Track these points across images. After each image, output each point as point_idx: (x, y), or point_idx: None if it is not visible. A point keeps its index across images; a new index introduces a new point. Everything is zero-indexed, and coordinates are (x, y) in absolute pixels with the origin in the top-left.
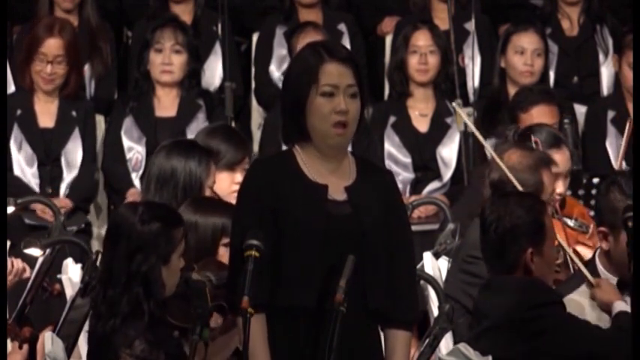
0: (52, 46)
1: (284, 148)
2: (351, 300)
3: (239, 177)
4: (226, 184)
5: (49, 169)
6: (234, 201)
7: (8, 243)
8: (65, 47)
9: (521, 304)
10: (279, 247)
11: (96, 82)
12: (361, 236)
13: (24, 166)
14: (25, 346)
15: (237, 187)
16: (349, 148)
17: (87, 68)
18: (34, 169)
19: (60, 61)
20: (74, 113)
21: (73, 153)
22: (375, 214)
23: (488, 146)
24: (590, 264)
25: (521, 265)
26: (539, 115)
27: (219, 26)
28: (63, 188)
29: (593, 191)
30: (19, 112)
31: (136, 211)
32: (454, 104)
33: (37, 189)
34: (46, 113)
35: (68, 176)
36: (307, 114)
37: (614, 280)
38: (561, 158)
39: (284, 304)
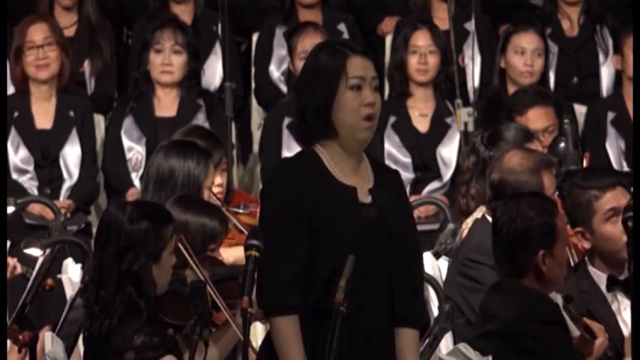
0: (38, 30)
1: (284, 148)
2: (375, 303)
3: (219, 179)
4: None
5: (48, 171)
6: (215, 202)
7: (8, 243)
8: (51, 29)
9: (523, 316)
10: (314, 249)
11: (96, 78)
12: (388, 238)
13: (21, 169)
14: (18, 348)
15: (217, 189)
16: None
17: (87, 64)
18: (32, 171)
19: (49, 42)
20: (72, 113)
21: (72, 154)
22: (397, 217)
23: None
24: (580, 266)
25: (532, 267)
26: (535, 117)
27: (219, 26)
28: (64, 191)
29: None
30: (16, 114)
31: (124, 210)
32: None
33: (35, 191)
34: (44, 114)
35: (68, 178)
36: (335, 110)
37: (604, 277)
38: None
39: (318, 306)
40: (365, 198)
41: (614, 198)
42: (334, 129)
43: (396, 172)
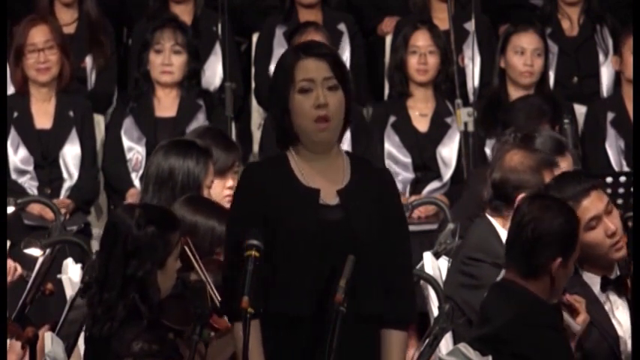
0: (39, 33)
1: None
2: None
3: (230, 182)
4: (218, 190)
5: (48, 171)
6: (227, 206)
7: (8, 243)
8: (51, 31)
9: (520, 320)
10: (273, 255)
11: (97, 73)
12: (353, 241)
13: (21, 169)
14: (21, 344)
15: (229, 192)
16: (349, 148)
17: (88, 60)
18: (31, 171)
19: (51, 46)
20: (71, 113)
21: (71, 154)
22: (368, 217)
23: None
24: (575, 274)
25: (547, 272)
26: None
27: (219, 26)
28: (64, 191)
29: None
30: (15, 114)
31: (132, 214)
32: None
33: (35, 192)
34: (43, 114)
35: (68, 178)
36: (291, 114)
37: (597, 279)
38: (566, 165)
39: (278, 312)
40: (331, 200)
41: (592, 205)
42: (295, 133)
43: (385, 171)
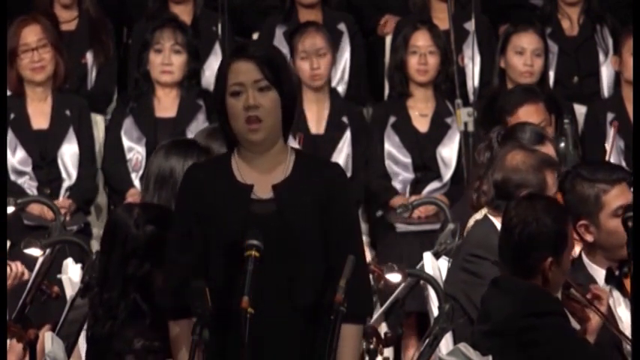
0: (31, 33)
1: None
2: (273, 300)
3: None
4: None
5: (46, 171)
6: None
7: (8, 243)
8: (44, 31)
9: (521, 311)
10: (209, 252)
11: (97, 71)
12: (287, 234)
13: (19, 170)
14: (21, 345)
15: None
16: (349, 148)
17: (89, 56)
18: (30, 172)
19: (44, 44)
20: (68, 112)
21: (70, 153)
22: (305, 210)
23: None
24: (576, 262)
25: (539, 272)
26: (526, 115)
27: (219, 26)
28: (63, 191)
29: None
30: (12, 115)
31: (131, 213)
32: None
33: (34, 192)
34: (40, 114)
35: (67, 178)
36: (227, 117)
37: (602, 272)
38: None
39: (215, 307)
40: (264, 194)
41: (622, 194)
42: (234, 135)
43: (334, 165)
